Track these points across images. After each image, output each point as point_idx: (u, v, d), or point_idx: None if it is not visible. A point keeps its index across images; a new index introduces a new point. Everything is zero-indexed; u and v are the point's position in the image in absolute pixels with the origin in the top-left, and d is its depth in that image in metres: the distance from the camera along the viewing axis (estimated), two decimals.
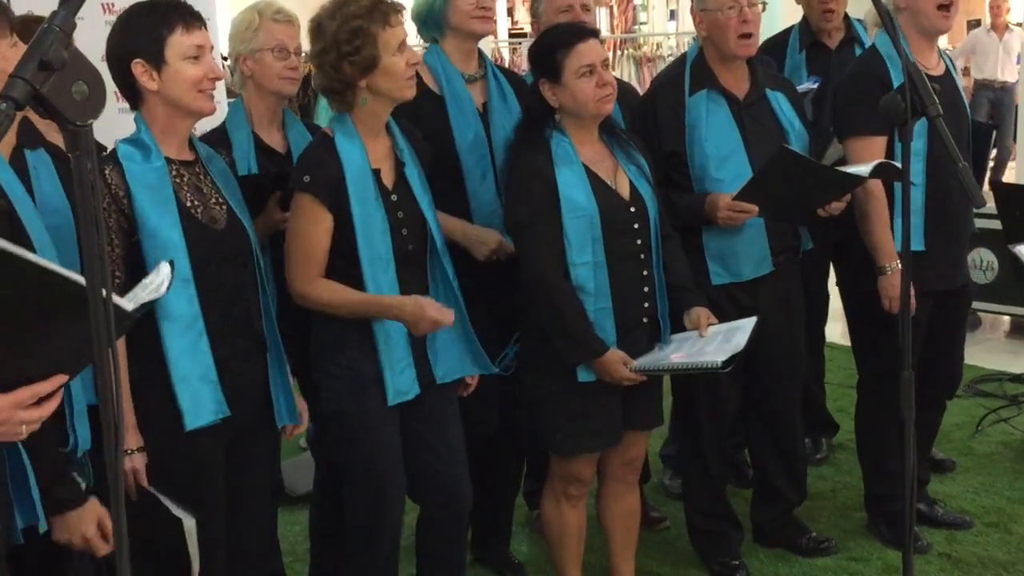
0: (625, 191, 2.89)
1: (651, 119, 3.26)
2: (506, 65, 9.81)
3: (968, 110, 3.51)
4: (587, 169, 2.85)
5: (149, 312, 2.29)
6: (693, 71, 3.28)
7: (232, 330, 2.45)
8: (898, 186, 3.17)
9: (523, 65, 10.19)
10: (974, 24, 10.84)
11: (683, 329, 2.94)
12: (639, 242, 2.89)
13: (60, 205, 2.33)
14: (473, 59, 3.21)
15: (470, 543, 3.55)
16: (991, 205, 4.67)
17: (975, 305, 5.28)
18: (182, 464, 2.39)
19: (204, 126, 2.82)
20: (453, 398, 2.85)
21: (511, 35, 12.92)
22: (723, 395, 3.36)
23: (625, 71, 9.59)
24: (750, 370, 3.35)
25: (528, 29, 10.79)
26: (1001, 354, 5.76)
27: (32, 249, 2.13)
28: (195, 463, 2.41)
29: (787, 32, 4.21)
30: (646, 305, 2.91)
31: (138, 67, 2.32)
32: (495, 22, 3.24)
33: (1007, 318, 6.24)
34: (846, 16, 4.13)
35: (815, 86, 3.83)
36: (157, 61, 2.32)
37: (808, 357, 3.85)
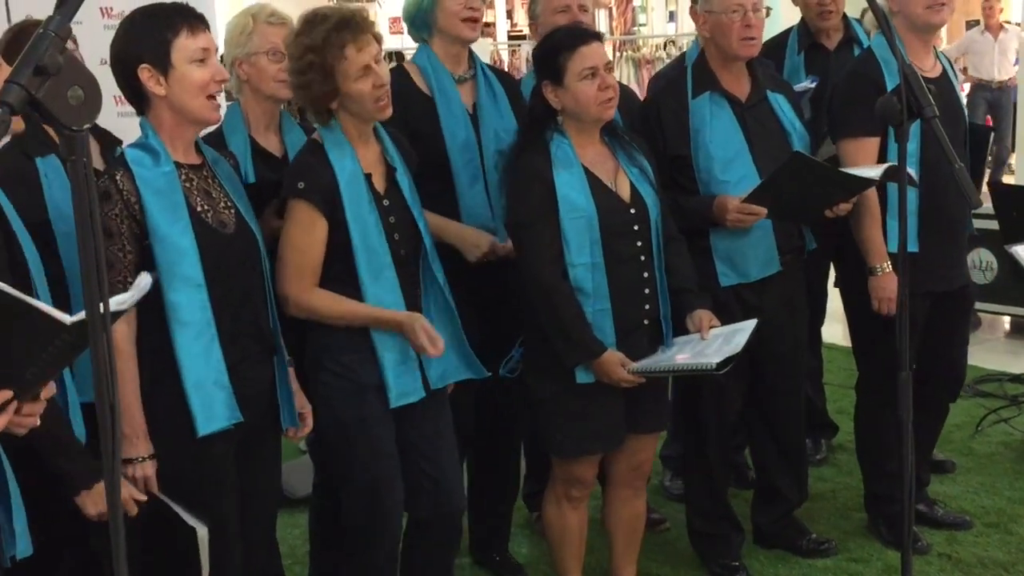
0: (625, 193, 2.89)
1: (655, 123, 3.27)
2: (505, 67, 9.82)
3: (965, 112, 3.51)
4: (587, 171, 2.85)
5: (161, 317, 2.30)
6: (695, 73, 3.29)
7: (242, 334, 2.45)
8: (892, 188, 3.17)
9: (522, 67, 10.20)
10: (973, 23, 10.85)
11: (687, 332, 2.94)
12: (639, 244, 2.89)
13: (70, 211, 2.33)
14: (463, 60, 3.21)
15: (469, 545, 3.56)
16: (989, 205, 4.68)
17: (975, 305, 5.28)
18: (194, 469, 2.39)
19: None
20: (446, 403, 2.85)
21: (510, 37, 12.94)
22: (728, 396, 3.37)
23: (624, 73, 9.58)
24: (754, 369, 3.36)
25: (527, 32, 10.79)
26: (1001, 354, 5.76)
27: (19, 251, 2.14)
28: (207, 468, 2.41)
29: (786, 34, 4.21)
30: (647, 307, 2.91)
31: (145, 72, 2.32)
32: (481, 25, 3.19)
33: (1007, 318, 6.24)
34: (845, 17, 4.13)
35: (813, 85, 3.83)
36: (164, 65, 2.32)
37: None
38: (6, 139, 2.38)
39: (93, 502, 2.21)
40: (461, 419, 3.01)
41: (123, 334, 2.27)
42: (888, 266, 3.33)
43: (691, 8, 4.09)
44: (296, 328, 2.70)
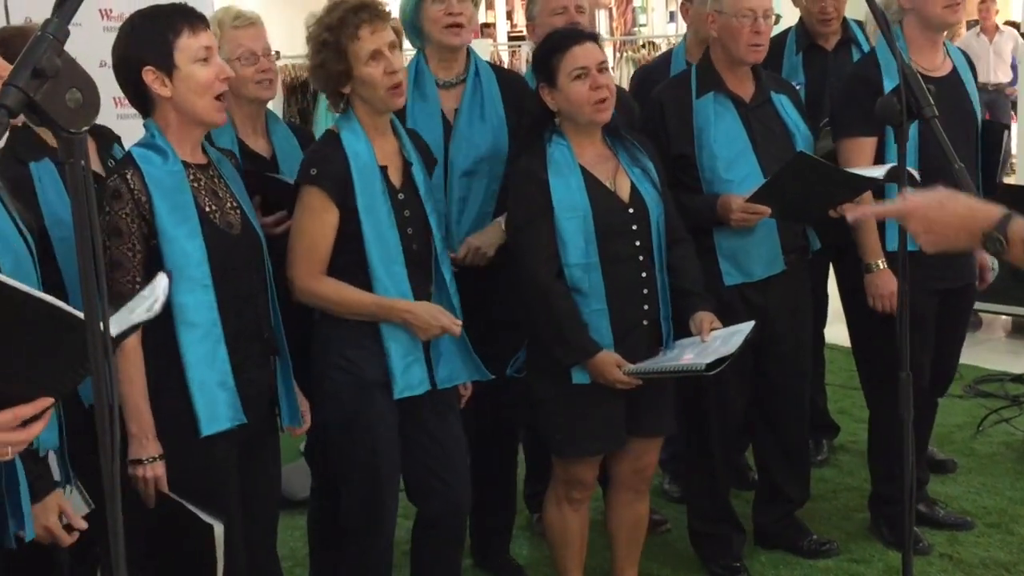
0: (625, 193, 2.89)
1: (659, 122, 3.27)
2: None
3: (977, 108, 3.49)
4: (584, 171, 2.85)
5: (167, 318, 2.29)
6: (699, 73, 3.30)
7: (245, 335, 2.45)
8: (891, 186, 3.17)
9: (522, 68, 10.19)
10: (973, 24, 10.85)
11: (690, 334, 2.94)
12: (638, 243, 2.89)
13: (66, 216, 2.32)
14: (455, 65, 3.20)
15: (470, 547, 3.56)
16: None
17: (975, 305, 5.27)
18: (197, 470, 2.38)
19: None
20: (453, 403, 2.85)
21: (510, 38, 12.94)
22: (732, 397, 3.37)
23: (624, 73, 9.58)
24: (758, 369, 3.37)
25: (526, 32, 10.79)
26: (1002, 354, 5.76)
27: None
28: (210, 469, 2.41)
29: (784, 34, 4.21)
30: (645, 307, 2.90)
31: (149, 74, 2.32)
32: (469, 31, 3.18)
33: (1007, 318, 6.23)
34: (843, 18, 4.13)
35: (796, 88, 3.85)
36: (168, 66, 2.31)
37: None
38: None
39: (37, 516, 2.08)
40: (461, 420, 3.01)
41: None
42: (883, 263, 3.33)
43: (682, 5, 4.09)
44: (301, 325, 2.70)
